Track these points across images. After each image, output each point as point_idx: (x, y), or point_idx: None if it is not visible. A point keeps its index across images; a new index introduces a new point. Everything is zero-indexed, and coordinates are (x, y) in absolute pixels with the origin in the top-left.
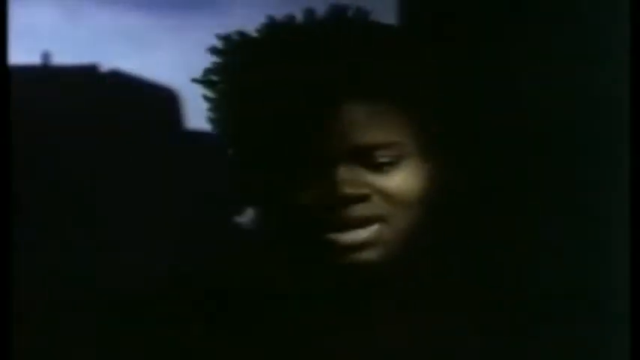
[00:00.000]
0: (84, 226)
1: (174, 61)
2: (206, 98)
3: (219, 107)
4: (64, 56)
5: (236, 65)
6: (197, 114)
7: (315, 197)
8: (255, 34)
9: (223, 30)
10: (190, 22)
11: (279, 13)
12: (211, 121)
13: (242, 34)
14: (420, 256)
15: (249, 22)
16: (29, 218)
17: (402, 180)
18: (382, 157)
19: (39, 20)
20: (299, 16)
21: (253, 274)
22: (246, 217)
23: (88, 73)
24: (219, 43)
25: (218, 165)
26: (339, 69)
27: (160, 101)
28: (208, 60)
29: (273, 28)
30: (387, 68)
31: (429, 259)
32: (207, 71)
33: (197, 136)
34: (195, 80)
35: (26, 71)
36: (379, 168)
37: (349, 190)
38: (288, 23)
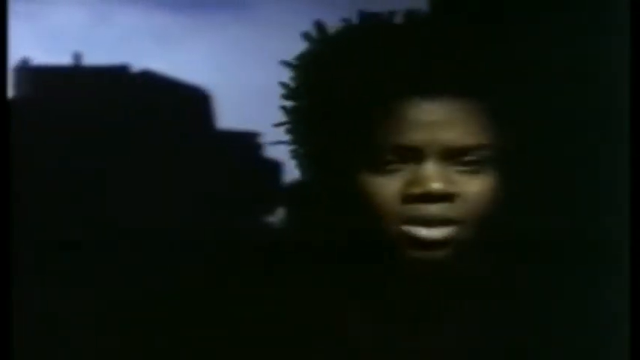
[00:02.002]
0: (116, 225)
1: (204, 61)
2: (287, 85)
3: (304, 95)
4: (95, 57)
5: (334, 55)
6: (228, 114)
7: (402, 190)
8: (352, 27)
9: (253, 29)
10: (221, 20)
11: (309, 12)
12: (290, 109)
13: (343, 23)
14: (482, 261)
15: (279, 20)
16: (63, 218)
17: (483, 184)
18: (471, 159)
19: (69, 21)
20: (392, 13)
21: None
22: (278, 216)
23: (118, 74)
24: (314, 31)
25: (250, 164)
26: (438, 66)
27: (191, 101)
28: (239, 58)
29: (371, 23)
30: (483, 70)
31: (489, 265)
32: (301, 57)
33: (228, 135)
34: (284, 63)
35: (57, 72)
36: (466, 170)
37: (438, 187)
38: (386, 19)
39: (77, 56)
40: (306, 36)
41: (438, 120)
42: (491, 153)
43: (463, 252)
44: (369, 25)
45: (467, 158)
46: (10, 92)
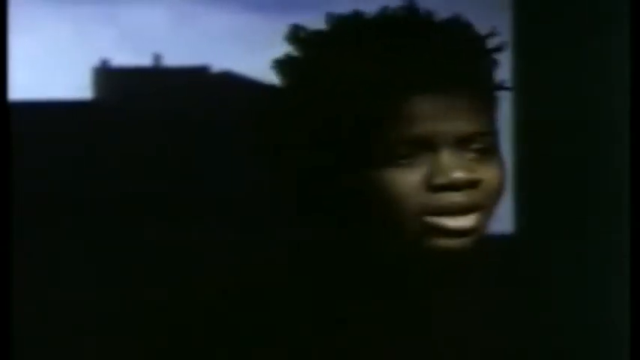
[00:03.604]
0: (187, 223)
1: None
2: (291, 81)
3: (309, 92)
4: (174, 58)
5: (338, 49)
6: None
7: (424, 181)
8: (361, 19)
9: None
10: (300, 21)
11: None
12: (295, 107)
13: (355, 14)
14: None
15: None
16: (143, 217)
17: (496, 170)
18: (480, 146)
19: (149, 22)
20: (400, 8)
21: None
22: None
23: (198, 75)
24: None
25: None
26: (441, 56)
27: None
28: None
29: (380, 15)
30: (483, 59)
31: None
32: (305, 53)
33: None
34: (286, 58)
35: (137, 73)
36: (478, 157)
37: (462, 175)
38: (394, 11)
39: (157, 57)
40: (302, 36)
41: (445, 109)
42: (496, 139)
43: (482, 241)
44: (370, 18)
45: (476, 145)
46: (91, 93)
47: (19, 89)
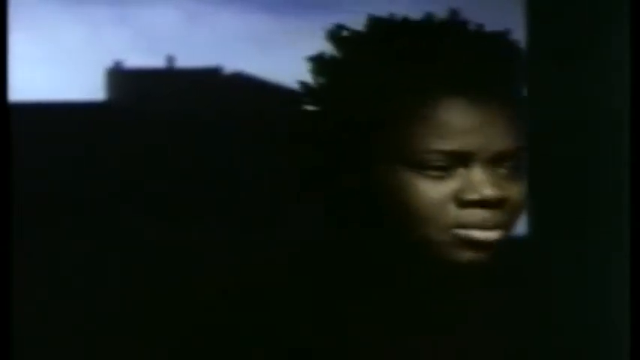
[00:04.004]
0: (205, 224)
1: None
2: (319, 86)
3: (339, 99)
4: (187, 59)
5: (373, 56)
6: None
7: (455, 195)
8: (392, 26)
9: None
10: (314, 22)
11: (410, 12)
12: (326, 113)
13: (383, 22)
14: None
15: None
16: (156, 219)
17: (522, 187)
18: (514, 163)
19: (161, 23)
20: (435, 17)
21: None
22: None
23: (211, 76)
24: (348, 32)
25: None
26: (483, 63)
27: (285, 103)
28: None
29: (411, 26)
30: (515, 74)
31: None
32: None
33: None
34: (312, 59)
35: (149, 74)
36: (509, 175)
37: (493, 193)
38: (428, 22)
39: (170, 58)
40: (338, 36)
41: (484, 124)
42: (525, 156)
43: (502, 254)
44: (409, 25)
45: (509, 162)
46: (104, 94)
47: (32, 90)
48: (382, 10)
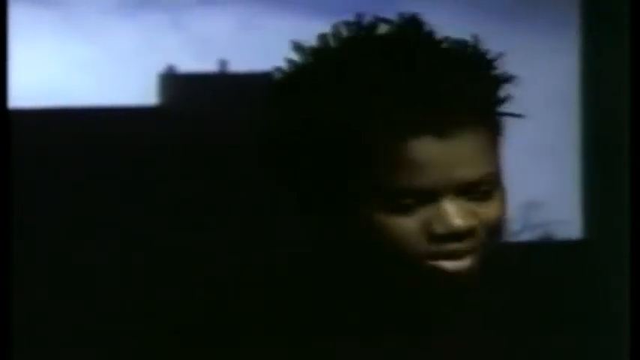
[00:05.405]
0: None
1: None
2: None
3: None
4: (239, 64)
5: (330, 83)
6: None
7: (423, 228)
8: (365, 56)
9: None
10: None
11: (462, 13)
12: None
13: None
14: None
15: (434, 25)
16: (201, 221)
17: (497, 206)
18: (484, 188)
19: (214, 28)
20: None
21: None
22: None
23: (263, 81)
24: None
25: None
26: (449, 101)
27: None
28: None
29: (382, 55)
30: (485, 96)
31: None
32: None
33: None
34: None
35: (202, 79)
36: (481, 199)
37: (462, 224)
38: (397, 49)
39: (222, 63)
40: (300, 50)
41: (451, 157)
42: (500, 173)
43: (478, 278)
44: (380, 53)
45: (480, 188)
46: (157, 99)
47: (89, 95)
48: (440, 15)
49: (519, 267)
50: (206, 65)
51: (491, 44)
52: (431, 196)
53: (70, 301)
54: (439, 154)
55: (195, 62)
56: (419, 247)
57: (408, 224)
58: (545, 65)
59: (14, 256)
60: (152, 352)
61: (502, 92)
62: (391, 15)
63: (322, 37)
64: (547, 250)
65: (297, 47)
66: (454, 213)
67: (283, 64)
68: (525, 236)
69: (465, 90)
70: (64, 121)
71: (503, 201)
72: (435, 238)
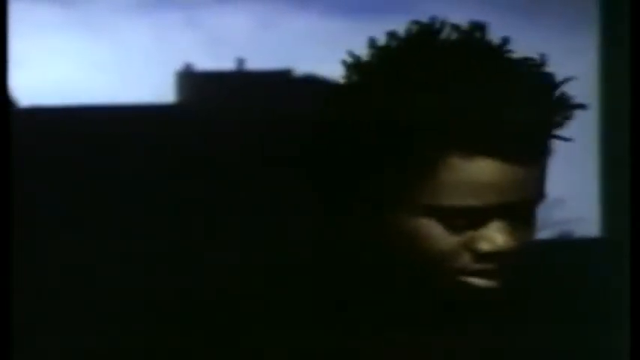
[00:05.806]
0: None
1: None
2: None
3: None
4: (257, 62)
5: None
6: None
7: (466, 244)
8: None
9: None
10: (385, 24)
11: (479, 15)
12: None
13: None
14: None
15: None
16: (211, 220)
17: (531, 233)
18: (530, 210)
19: (231, 26)
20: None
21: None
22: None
23: (281, 78)
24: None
25: None
26: (512, 125)
27: None
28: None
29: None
30: (548, 122)
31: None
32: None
33: None
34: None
35: (219, 77)
36: (521, 221)
37: (507, 245)
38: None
39: (240, 61)
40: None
41: (509, 181)
42: (541, 201)
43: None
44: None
45: (526, 212)
46: (174, 97)
47: (105, 93)
48: (455, 14)
49: (539, 264)
50: (223, 63)
51: (510, 44)
52: (481, 215)
53: (70, 301)
54: (498, 177)
55: (212, 60)
56: (457, 262)
57: (451, 239)
58: (564, 63)
59: (14, 256)
60: (152, 352)
61: (561, 117)
62: (408, 14)
63: (391, 37)
64: (566, 247)
65: (371, 44)
66: (501, 234)
67: (346, 62)
68: (545, 234)
69: (531, 115)
70: (80, 120)
71: (536, 226)
72: (478, 255)
